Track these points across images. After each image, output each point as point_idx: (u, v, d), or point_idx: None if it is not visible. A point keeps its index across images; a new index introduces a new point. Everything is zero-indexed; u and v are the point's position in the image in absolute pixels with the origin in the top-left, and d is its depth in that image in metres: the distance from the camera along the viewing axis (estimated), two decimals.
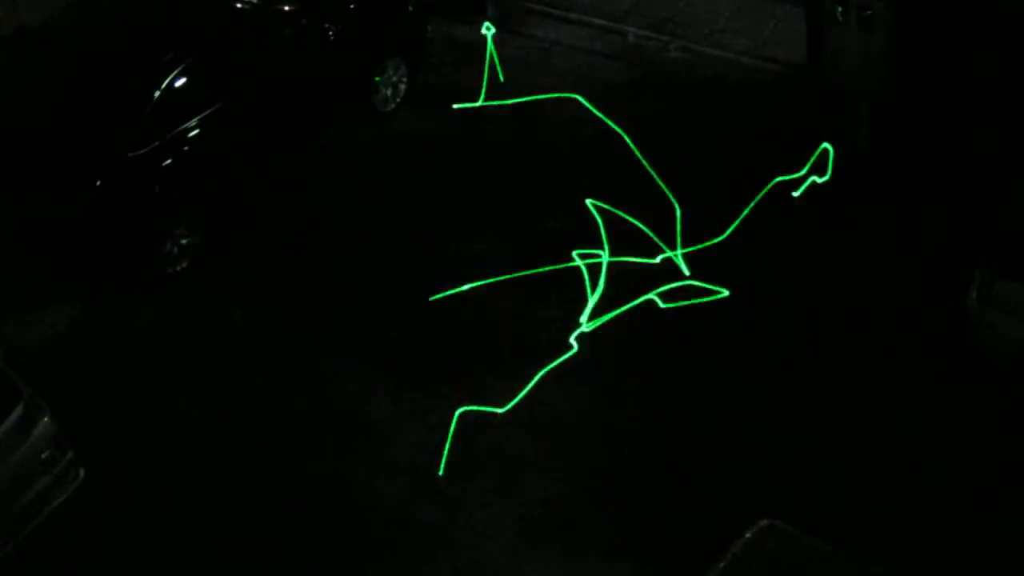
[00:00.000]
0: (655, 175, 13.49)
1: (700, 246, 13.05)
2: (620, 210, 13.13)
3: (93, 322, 13.14)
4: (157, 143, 13.19)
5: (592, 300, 12.41)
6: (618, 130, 13.92)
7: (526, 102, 15.17)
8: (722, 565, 8.92)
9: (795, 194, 13.36)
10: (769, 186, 13.27)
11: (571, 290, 12.74)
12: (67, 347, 12.86)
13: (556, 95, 14.86)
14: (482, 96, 15.22)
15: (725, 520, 9.75)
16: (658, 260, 12.87)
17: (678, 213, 13.14)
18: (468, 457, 11.41)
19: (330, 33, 14.71)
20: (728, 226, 13.18)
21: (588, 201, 13.12)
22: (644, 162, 13.53)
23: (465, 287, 12.65)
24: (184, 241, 13.55)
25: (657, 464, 11.23)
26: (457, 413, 11.51)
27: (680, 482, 11.06)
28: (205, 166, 13.62)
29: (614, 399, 11.85)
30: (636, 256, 12.81)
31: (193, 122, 13.45)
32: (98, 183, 12.91)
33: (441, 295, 12.66)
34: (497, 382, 11.97)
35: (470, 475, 11.29)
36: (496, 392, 11.86)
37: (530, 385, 11.77)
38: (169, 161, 13.29)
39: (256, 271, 13.56)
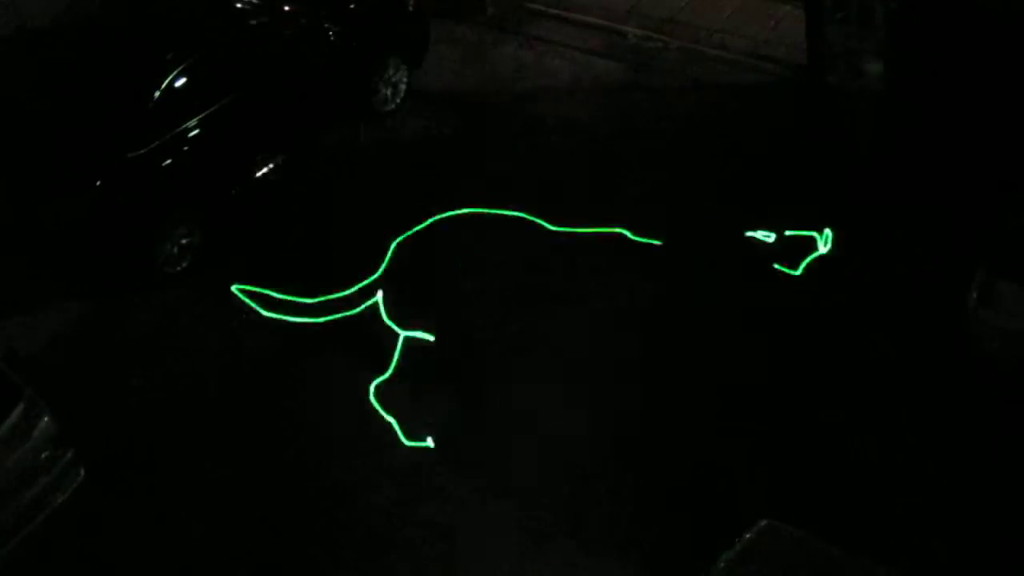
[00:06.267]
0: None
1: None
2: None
3: (93, 322, 13.13)
4: (157, 143, 13.19)
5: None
6: None
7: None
8: (722, 565, 8.93)
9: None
10: None
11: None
12: (67, 347, 12.87)
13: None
14: None
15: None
16: None
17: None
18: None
19: (330, 33, 14.70)
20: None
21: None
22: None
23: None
24: (184, 241, 13.55)
25: None
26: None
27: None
28: (205, 166, 13.62)
29: None
30: None
31: (193, 122, 13.44)
32: (98, 183, 12.91)
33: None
34: (491, 382, 12.04)
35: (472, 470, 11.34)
36: (491, 393, 11.92)
37: None
38: (169, 161, 13.29)
39: (256, 271, 13.54)
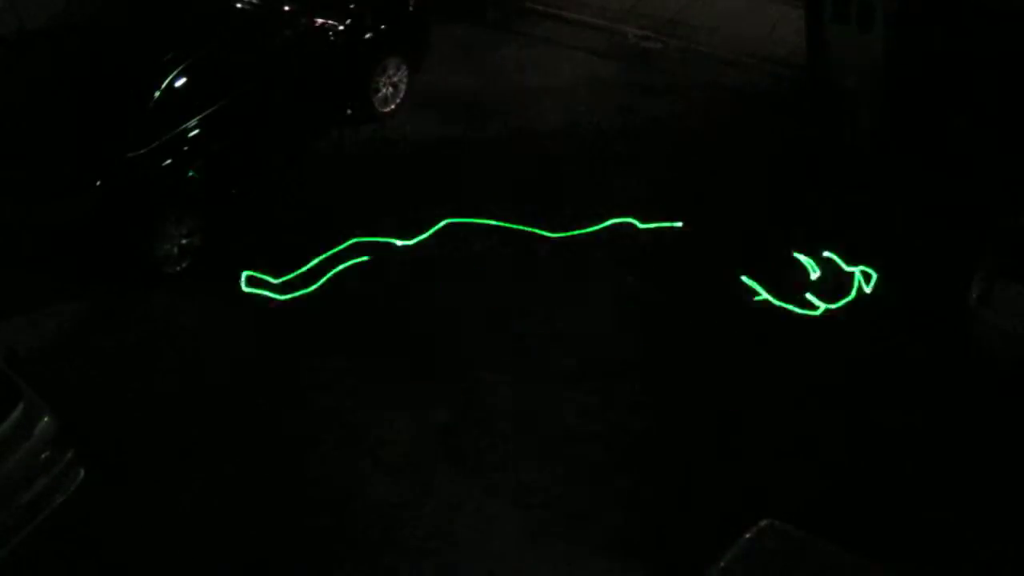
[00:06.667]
0: None
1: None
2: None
3: (93, 322, 13.13)
4: (157, 143, 13.20)
5: None
6: None
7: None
8: (722, 565, 8.93)
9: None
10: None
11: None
12: (67, 347, 12.86)
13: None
14: None
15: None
16: None
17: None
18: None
19: (330, 33, 14.71)
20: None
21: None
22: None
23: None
24: (184, 241, 13.55)
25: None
26: None
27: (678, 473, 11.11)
28: (205, 166, 13.61)
29: None
30: None
31: (193, 122, 13.45)
32: (98, 183, 12.91)
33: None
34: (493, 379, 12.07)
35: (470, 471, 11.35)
36: (494, 390, 11.94)
37: None
38: (169, 161, 13.30)
39: (255, 271, 13.54)
